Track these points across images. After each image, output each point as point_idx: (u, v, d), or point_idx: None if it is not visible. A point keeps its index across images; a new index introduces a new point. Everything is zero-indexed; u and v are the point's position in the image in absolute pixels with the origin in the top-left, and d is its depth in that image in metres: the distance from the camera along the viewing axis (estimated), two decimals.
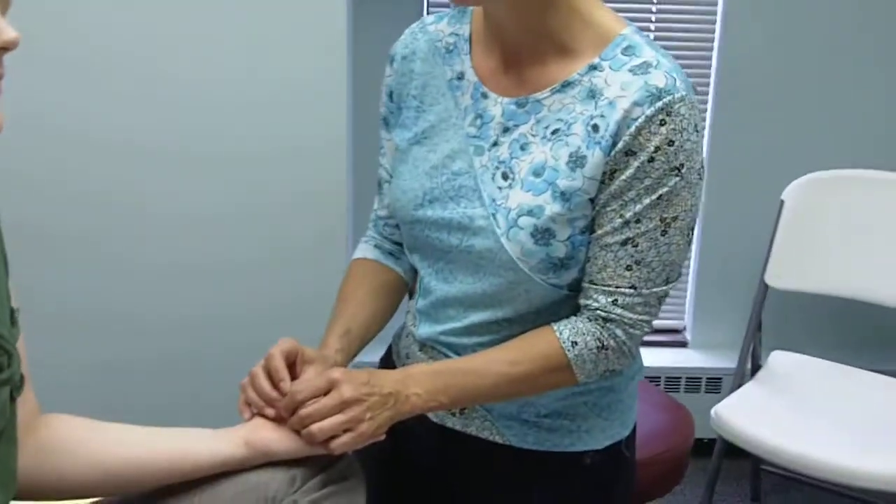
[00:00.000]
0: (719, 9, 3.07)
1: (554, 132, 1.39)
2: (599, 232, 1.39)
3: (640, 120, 1.32)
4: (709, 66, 3.15)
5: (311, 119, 2.52)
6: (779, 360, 2.84)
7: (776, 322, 3.03)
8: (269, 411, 1.36)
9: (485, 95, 1.45)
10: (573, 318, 1.43)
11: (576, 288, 1.44)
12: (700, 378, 3.29)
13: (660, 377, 3.28)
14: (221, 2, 2.44)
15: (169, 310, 2.65)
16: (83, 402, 1.39)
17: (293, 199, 2.58)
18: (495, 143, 1.43)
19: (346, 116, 2.54)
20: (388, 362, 1.69)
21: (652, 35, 3.07)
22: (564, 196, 1.37)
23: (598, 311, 1.41)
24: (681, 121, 1.33)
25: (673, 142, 1.33)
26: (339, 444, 1.32)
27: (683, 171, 1.35)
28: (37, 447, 1.26)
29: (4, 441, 1.12)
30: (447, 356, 1.52)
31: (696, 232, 3.18)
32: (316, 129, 2.53)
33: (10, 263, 1.16)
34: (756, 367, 2.88)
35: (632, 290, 1.40)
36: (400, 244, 1.64)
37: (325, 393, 1.33)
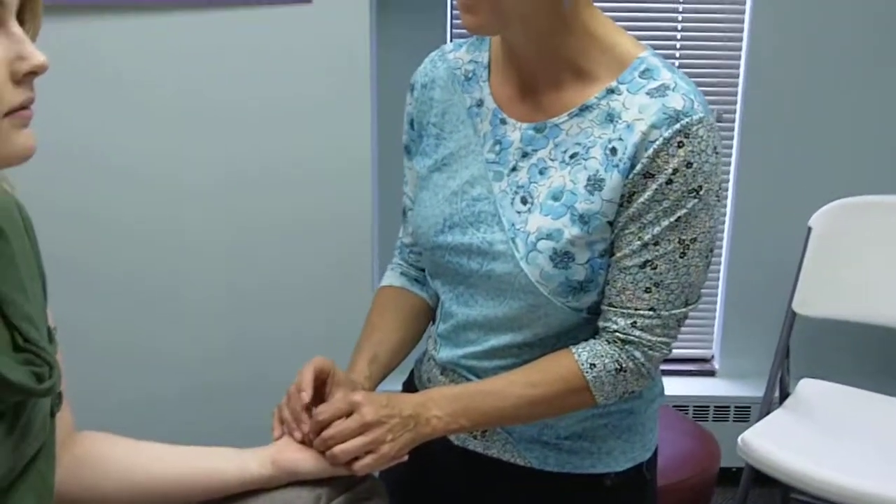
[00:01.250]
0: (745, 33, 3.08)
1: (572, 156, 1.41)
2: (618, 254, 1.40)
3: (657, 142, 1.34)
4: (735, 92, 3.15)
5: (335, 145, 2.54)
6: (807, 388, 2.82)
7: (804, 350, 3.01)
8: (297, 434, 1.39)
9: (503, 121, 1.47)
10: (592, 340, 1.45)
11: (595, 311, 1.46)
12: (728, 407, 3.28)
13: (688, 406, 3.27)
14: (247, 30, 2.46)
15: (197, 339, 2.67)
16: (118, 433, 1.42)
17: (319, 225, 2.59)
18: (514, 169, 1.45)
19: (370, 143, 2.56)
20: (410, 387, 1.70)
21: (677, 62, 3.09)
22: (583, 219, 1.38)
23: (617, 334, 1.42)
24: (699, 143, 1.34)
25: (691, 164, 1.34)
26: (361, 466, 1.35)
27: (702, 192, 1.36)
28: (72, 463, 1.29)
29: (43, 456, 1.15)
30: (468, 379, 1.54)
31: (723, 260, 3.21)
32: (340, 156, 2.54)
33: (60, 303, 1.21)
34: (784, 396, 2.86)
35: (651, 313, 1.41)
36: (425, 270, 1.66)
37: (347, 415, 1.36)
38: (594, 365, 1.42)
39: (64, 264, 2.49)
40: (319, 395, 1.44)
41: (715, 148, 1.36)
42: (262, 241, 2.61)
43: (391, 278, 1.70)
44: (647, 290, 1.40)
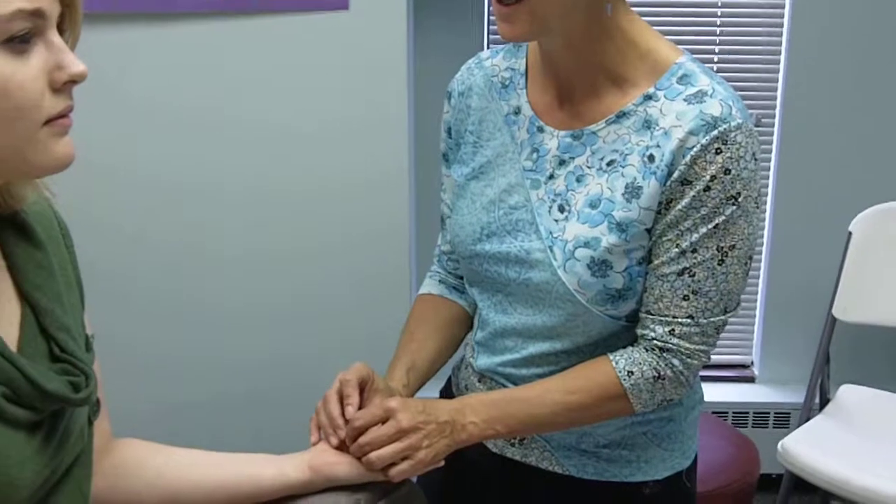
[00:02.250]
0: (784, 38, 3.07)
1: (609, 163, 1.40)
2: (656, 262, 1.40)
3: (695, 149, 1.33)
4: (774, 97, 3.14)
5: (372, 154, 2.54)
6: (847, 394, 2.81)
7: (845, 356, 2.99)
8: (334, 439, 1.39)
9: (541, 129, 1.47)
10: (630, 347, 1.44)
11: (634, 319, 1.45)
12: (768, 413, 3.26)
13: (727, 412, 3.25)
14: (283, 37, 2.47)
15: (236, 349, 2.68)
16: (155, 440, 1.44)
17: (356, 235, 2.59)
18: (551, 177, 1.45)
19: (407, 151, 2.56)
20: (447, 394, 1.71)
21: (715, 66, 3.07)
22: (621, 227, 1.38)
23: (655, 341, 1.41)
24: (737, 149, 1.33)
25: (729, 170, 1.33)
26: (397, 472, 1.35)
27: (740, 199, 1.35)
28: (109, 470, 1.30)
29: (81, 464, 1.16)
30: (505, 387, 1.54)
31: (763, 265, 3.19)
32: (377, 165, 2.54)
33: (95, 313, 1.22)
34: (824, 402, 2.84)
35: (689, 320, 1.40)
36: (463, 278, 1.67)
37: (383, 421, 1.36)
38: (632, 372, 1.41)
39: (103, 276, 2.51)
40: (359, 400, 1.44)
41: (754, 154, 1.35)
42: (299, 252, 2.62)
43: (429, 286, 1.71)
44: (686, 298, 1.39)
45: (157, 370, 2.69)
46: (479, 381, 1.59)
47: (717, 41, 3.12)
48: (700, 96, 1.35)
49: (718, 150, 1.33)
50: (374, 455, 1.34)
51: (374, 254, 2.61)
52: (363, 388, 1.45)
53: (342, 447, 1.39)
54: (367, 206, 2.58)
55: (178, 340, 2.67)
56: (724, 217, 1.35)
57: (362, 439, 1.35)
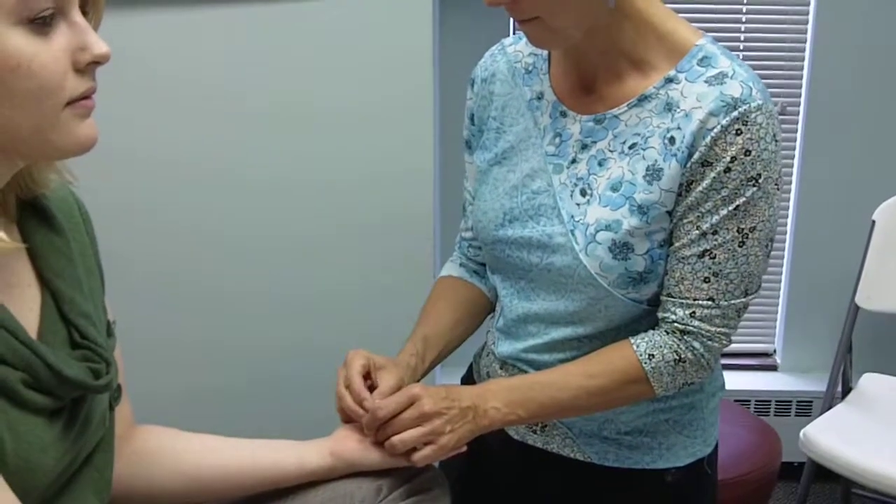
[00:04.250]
0: (810, 25, 3.05)
1: (631, 146, 1.40)
2: (676, 244, 1.39)
3: (715, 130, 1.32)
4: (800, 85, 3.12)
5: (397, 143, 2.53)
6: (870, 383, 2.80)
7: (868, 344, 2.97)
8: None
9: (563, 114, 1.47)
10: (651, 331, 1.44)
11: (656, 303, 1.45)
12: (790, 401, 3.25)
13: (749, 400, 3.25)
14: (307, 23, 2.47)
15: (258, 337, 2.68)
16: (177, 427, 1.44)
17: (379, 224, 2.59)
18: (574, 161, 1.45)
19: (432, 139, 2.56)
20: (469, 381, 1.71)
21: (741, 54, 3.06)
22: (642, 210, 1.37)
23: (676, 324, 1.41)
24: (757, 130, 1.32)
25: (749, 151, 1.32)
26: (420, 457, 1.35)
27: (761, 181, 1.34)
28: (131, 456, 1.31)
29: (102, 450, 1.17)
30: (528, 373, 1.54)
31: (787, 254, 3.18)
32: (402, 152, 2.53)
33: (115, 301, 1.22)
34: (847, 390, 2.83)
35: (710, 303, 1.40)
36: (485, 265, 1.66)
37: (406, 408, 1.36)
38: (653, 356, 1.41)
39: (125, 263, 2.52)
40: (367, 385, 1.45)
41: (774, 136, 1.35)
42: (322, 240, 2.62)
43: (450, 269, 1.71)
44: (706, 280, 1.39)
45: (179, 357, 2.69)
46: (501, 368, 1.59)
47: (743, 29, 3.10)
48: (720, 78, 1.34)
49: (739, 132, 1.32)
50: (396, 439, 1.34)
51: (398, 242, 2.60)
52: (367, 376, 1.45)
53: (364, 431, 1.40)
54: (390, 194, 2.57)
55: (201, 328, 2.68)
56: (744, 198, 1.35)
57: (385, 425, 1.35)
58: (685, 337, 1.41)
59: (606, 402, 1.46)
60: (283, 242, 2.62)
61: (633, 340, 1.43)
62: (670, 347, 1.41)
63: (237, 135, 2.54)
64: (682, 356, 1.41)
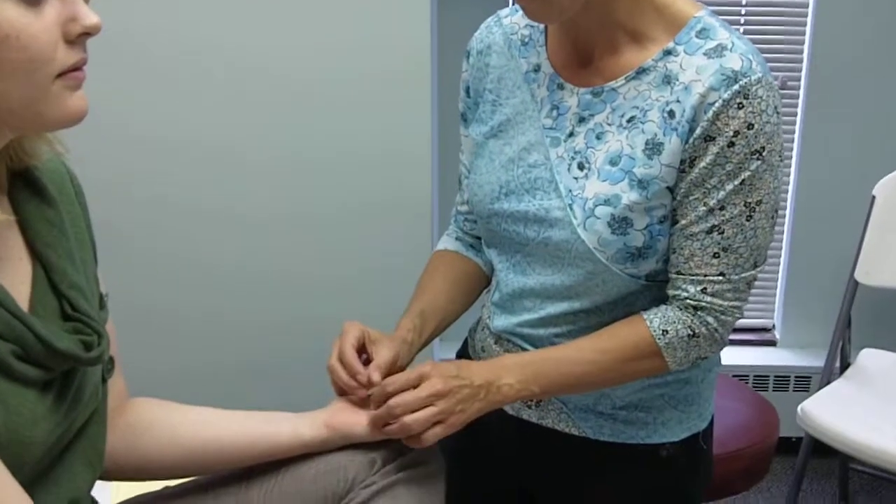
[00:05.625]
0: (811, 2, 3.04)
1: (630, 120, 1.39)
2: (684, 222, 1.38)
3: (717, 104, 1.31)
4: (800, 60, 3.11)
5: (395, 120, 2.53)
6: (868, 358, 2.80)
7: (867, 320, 2.97)
8: (363, 391, 1.40)
9: (561, 86, 1.46)
10: (663, 306, 1.43)
11: (653, 278, 1.44)
12: (788, 377, 3.26)
13: (748, 375, 3.25)
14: (303, 2, 2.46)
15: (256, 314, 2.69)
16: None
17: (378, 202, 2.59)
18: (571, 134, 1.44)
19: (430, 116, 2.55)
20: (464, 356, 1.70)
21: (742, 30, 3.05)
22: (641, 184, 1.37)
23: (688, 301, 1.41)
24: (759, 103, 1.31)
25: (752, 125, 1.32)
26: (430, 436, 1.35)
27: (764, 153, 1.34)
28: (124, 428, 1.31)
29: (94, 422, 1.16)
30: (523, 348, 1.53)
31: (786, 229, 3.18)
32: (400, 130, 2.53)
33: (108, 271, 1.22)
34: (845, 366, 2.84)
35: (720, 278, 1.39)
36: (481, 238, 1.65)
37: (415, 386, 1.35)
38: (666, 331, 1.41)
39: (121, 237, 2.53)
40: (361, 358, 1.45)
41: (776, 107, 1.34)
42: (320, 218, 2.62)
43: (445, 243, 1.70)
44: (716, 256, 1.38)
45: (177, 333, 2.70)
46: (496, 343, 1.58)
47: (744, 2, 3.09)
48: (720, 50, 1.33)
49: (740, 105, 1.31)
50: (409, 419, 1.33)
51: (396, 219, 2.60)
52: (361, 350, 1.45)
53: (359, 404, 1.40)
54: (388, 171, 2.57)
55: (198, 304, 2.68)
56: (749, 172, 1.34)
57: (393, 401, 1.34)
58: (698, 312, 1.41)
59: (620, 377, 1.46)
60: (281, 219, 2.62)
61: (645, 316, 1.43)
62: (684, 323, 1.41)
63: (235, 111, 2.55)
64: (696, 331, 1.41)
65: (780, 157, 1.37)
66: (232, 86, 2.52)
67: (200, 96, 2.53)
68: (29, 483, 1.01)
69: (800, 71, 3.12)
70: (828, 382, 2.73)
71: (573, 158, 1.43)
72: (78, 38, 0.98)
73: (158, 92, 2.53)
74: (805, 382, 3.24)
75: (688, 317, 1.41)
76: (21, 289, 1.06)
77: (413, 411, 1.33)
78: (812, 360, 3.22)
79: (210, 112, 2.54)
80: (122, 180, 2.55)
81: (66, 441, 1.11)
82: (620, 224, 1.38)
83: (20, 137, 1.06)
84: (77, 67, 0.99)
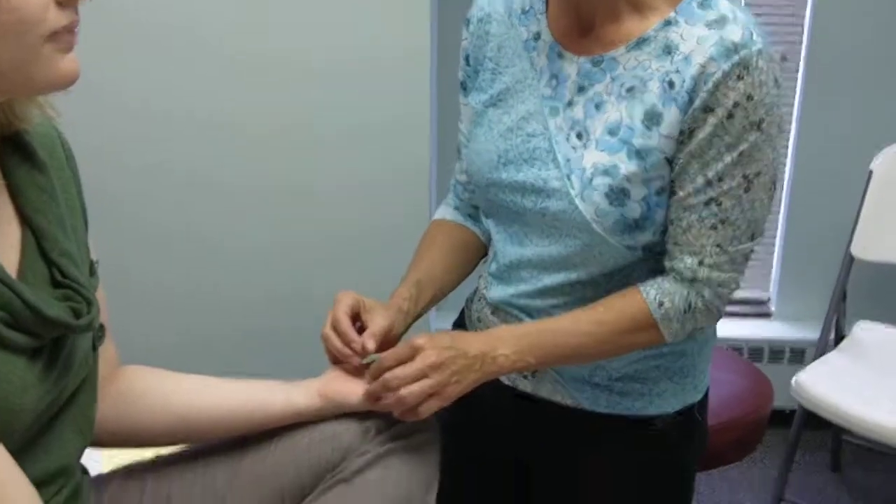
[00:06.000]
0: None
1: (629, 90, 1.37)
2: (681, 193, 1.37)
3: (716, 75, 1.30)
4: (800, 34, 3.10)
5: (394, 87, 2.51)
6: (863, 331, 2.81)
7: (862, 293, 2.98)
8: (356, 359, 1.40)
9: (560, 55, 1.44)
10: (659, 278, 1.43)
11: (650, 250, 1.43)
12: (783, 349, 3.27)
13: (743, 347, 3.26)
14: None
15: (251, 284, 2.68)
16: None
17: (376, 169, 2.58)
18: (570, 104, 1.42)
19: (429, 84, 2.54)
20: (461, 326, 1.69)
21: (742, 2, 3.03)
22: (640, 155, 1.36)
23: (685, 273, 1.40)
24: (759, 74, 1.30)
25: (752, 97, 1.31)
26: (425, 408, 1.34)
27: (763, 126, 1.33)
28: (115, 396, 1.30)
29: (85, 390, 1.16)
30: (519, 319, 1.53)
31: (783, 203, 3.17)
32: (400, 98, 2.52)
33: (103, 241, 1.20)
34: (840, 338, 2.84)
35: (718, 250, 1.38)
36: (479, 208, 1.65)
37: (410, 359, 1.34)
38: (663, 303, 1.40)
39: (115, 206, 2.52)
40: (356, 326, 1.44)
41: (775, 80, 1.33)
42: (315, 187, 2.61)
43: (443, 212, 1.69)
44: (714, 228, 1.37)
45: (171, 303, 2.70)
46: (493, 314, 1.58)
47: None
48: (721, 22, 1.32)
49: (740, 77, 1.30)
50: (405, 391, 1.32)
51: (395, 187, 2.59)
52: (356, 313, 1.44)
53: (357, 374, 1.39)
54: (387, 140, 2.56)
55: (190, 273, 2.68)
56: (748, 144, 1.33)
57: (388, 375, 1.33)
58: (695, 284, 1.40)
59: (616, 348, 1.45)
60: (277, 189, 2.62)
61: (642, 288, 1.42)
62: (681, 295, 1.40)
63: (232, 81, 2.54)
64: (693, 304, 1.40)
65: (779, 129, 1.36)
66: (228, 55, 2.51)
67: (197, 65, 2.52)
68: (18, 451, 1.01)
69: (800, 45, 3.10)
70: (822, 355, 2.73)
71: (572, 128, 1.41)
72: (69, 0, 0.97)
73: (154, 59, 2.51)
74: (800, 355, 3.24)
75: (684, 289, 1.40)
76: (10, 255, 1.05)
77: (408, 384, 1.33)
78: (807, 332, 3.22)
79: (206, 81, 2.53)
80: (115, 147, 2.55)
81: (56, 409, 1.10)
82: (618, 195, 1.37)
83: (10, 101, 1.05)
84: (69, 30, 0.98)
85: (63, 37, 0.97)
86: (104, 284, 1.21)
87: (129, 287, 2.32)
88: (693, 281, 1.40)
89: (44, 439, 1.09)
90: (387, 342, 1.44)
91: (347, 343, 1.40)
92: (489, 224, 1.58)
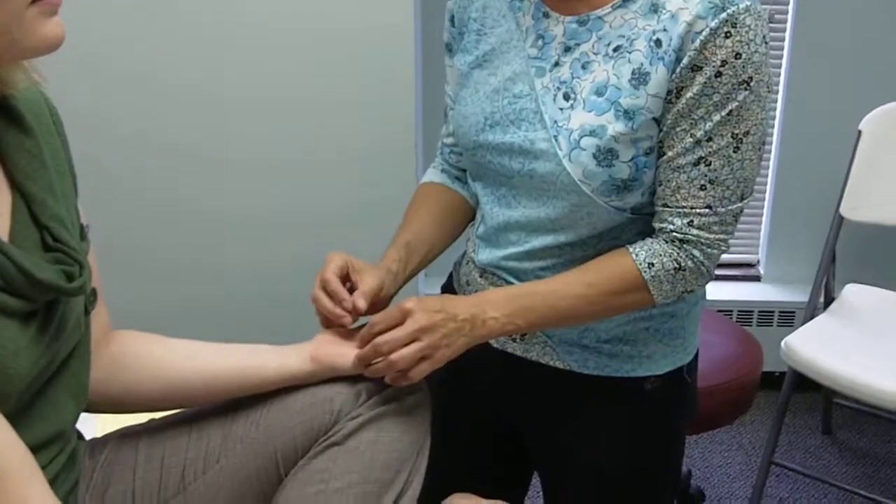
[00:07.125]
0: None
1: (616, 49, 1.37)
2: (670, 153, 1.37)
3: (704, 33, 1.30)
4: None
5: (378, 50, 2.51)
6: (852, 293, 2.81)
7: (851, 255, 2.99)
8: (348, 319, 1.40)
9: (546, 15, 1.43)
10: (649, 240, 1.42)
11: (639, 211, 1.43)
12: (773, 312, 3.28)
13: (732, 311, 3.27)
14: None
15: (241, 249, 2.68)
16: None
17: (363, 134, 2.58)
18: (556, 64, 1.42)
19: (413, 46, 2.53)
20: (449, 290, 1.69)
21: None
22: (628, 115, 1.35)
23: (675, 234, 1.40)
24: (747, 32, 1.30)
25: (740, 54, 1.30)
26: (416, 372, 1.34)
27: (752, 84, 1.32)
28: (108, 361, 1.30)
29: (78, 355, 1.16)
30: (508, 282, 1.53)
31: (772, 164, 3.17)
32: (384, 61, 2.52)
33: (94, 212, 1.20)
34: (829, 301, 2.85)
35: (707, 210, 1.38)
36: (466, 170, 1.64)
37: (400, 323, 1.34)
38: (652, 264, 1.40)
39: (105, 173, 2.51)
40: (346, 287, 1.44)
41: (764, 37, 1.32)
42: (302, 154, 2.61)
43: (431, 175, 1.69)
44: (703, 188, 1.37)
45: (158, 267, 2.69)
46: (481, 277, 1.58)
47: None
48: None
49: (728, 34, 1.29)
50: (395, 355, 1.32)
51: (381, 152, 2.59)
52: (346, 274, 1.44)
53: (348, 337, 1.39)
54: (373, 105, 2.55)
55: (182, 240, 2.69)
56: (737, 103, 1.33)
57: (379, 339, 1.33)
58: (685, 245, 1.40)
59: (606, 310, 1.45)
60: (264, 157, 2.62)
61: (631, 249, 1.42)
62: (670, 256, 1.40)
63: (221, 52, 2.54)
64: (682, 264, 1.40)
65: (767, 88, 1.35)
66: (218, 26, 2.51)
67: (186, 35, 2.52)
68: (13, 416, 1.01)
69: (787, 4, 3.09)
70: (812, 317, 2.74)
71: (559, 89, 1.41)
72: None
73: (141, 25, 2.51)
74: (789, 317, 3.25)
75: (674, 250, 1.40)
76: (1, 220, 1.05)
77: (398, 348, 1.33)
78: (796, 295, 3.24)
79: (195, 51, 2.53)
80: (106, 115, 2.54)
81: (50, 373, 1.10)
82: (606, 156, 1.37)
83: None
84: None
85: (46, 0, 0.97)
86: (94, 249, 1.21)
87: (117, 251, 2.32)
88: (683, 242, 1.40)
89: (39, 405, 1.10)
90: (377, 303, 1.44)
91: (338, 302, 1.40)
92: (476, 187, 1.58)
